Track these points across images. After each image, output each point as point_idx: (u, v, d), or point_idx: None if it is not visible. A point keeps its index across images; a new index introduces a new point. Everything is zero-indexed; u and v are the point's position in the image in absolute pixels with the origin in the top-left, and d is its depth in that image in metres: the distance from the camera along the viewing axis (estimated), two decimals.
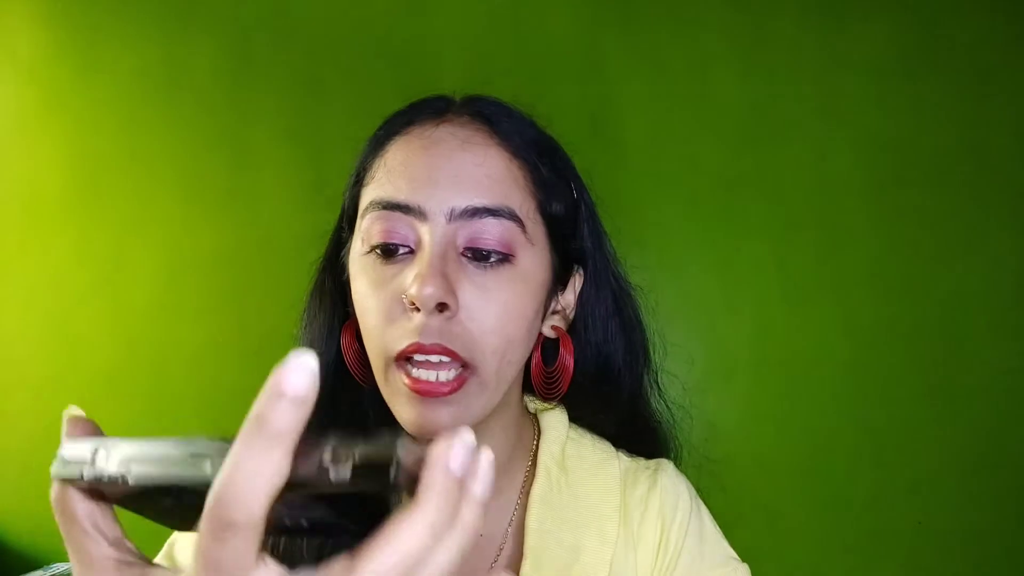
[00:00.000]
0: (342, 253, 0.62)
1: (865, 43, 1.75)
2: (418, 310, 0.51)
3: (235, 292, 1.88)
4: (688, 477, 0.66)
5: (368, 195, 0.56)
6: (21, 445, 1.94)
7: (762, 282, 1.76)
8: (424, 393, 0.51)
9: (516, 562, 0.58)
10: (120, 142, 1.97)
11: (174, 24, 1.97)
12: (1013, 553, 1.66)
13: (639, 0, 1.82)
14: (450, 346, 0.51)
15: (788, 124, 1.77)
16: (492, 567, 0.59)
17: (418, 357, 0.52)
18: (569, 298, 0.63)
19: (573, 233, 0.62)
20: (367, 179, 0.58)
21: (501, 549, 0.60)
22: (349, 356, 0.60)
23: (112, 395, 1.92)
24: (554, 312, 0.62)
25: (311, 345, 0.62)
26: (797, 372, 1.74)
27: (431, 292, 0.50)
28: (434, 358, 0.51)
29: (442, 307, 0.51)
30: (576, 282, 0.63)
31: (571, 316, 0.63)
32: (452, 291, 0.51)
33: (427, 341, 0.51)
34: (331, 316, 0.63)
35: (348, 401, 0.61)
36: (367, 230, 0.55)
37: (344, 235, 0.62)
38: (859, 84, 1.75)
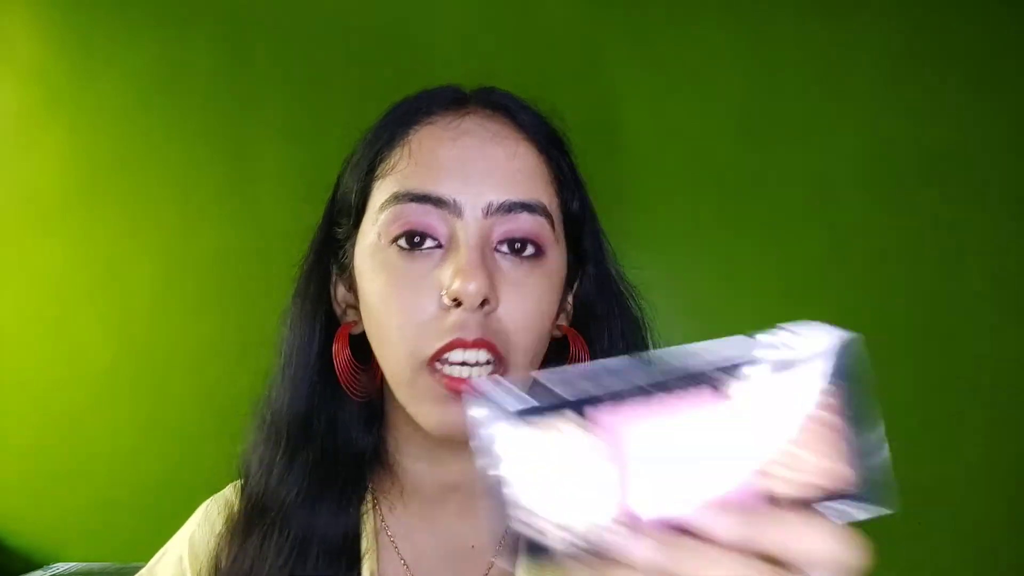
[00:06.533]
0: (340, 253, 0.59)
1: (866, 43, 1.75)
2: (458, 306, 0.49)
3: (235, 292, 1.88)
4: None
5: (389, 186, 0.53)
6: (21, 445, 1.94)
7: (762, 282, 1.76)
8: (460, 392, 0.50)
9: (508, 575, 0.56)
10: (120, 142, 1.97)
11: (173, 24, 1.97)
12: (1013, 553, 1.66)
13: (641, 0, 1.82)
14: (492, 340, 0.50)
15: (789, 124, 1.77)
16: None
17: (454, 356, 0.50)
18: (570, 298, 0.62)
19: (583, 232, 0.61)
20: (384, 169, 0.55)
21: (493, 563, 0.58)
22: (340, 364, 0.56)
23: (112, 395, 1.92)
24: (561, 311, 0.60)
25: (291, 356, 0.59)
26: None
27: (476, 287, 0.48)
28: (471, 357, 0.50)
29: (483, 302, 0.50)
30: (579, 281, 0.62)
31: (571, 315, 0.63)
32: (493, 287, 0.50)
33: (470, 337, 0.49)
34: (312, 323, 0.59)
35: (326, 418, 0.58)
36: (389, 223, 0.52)
37: (341, 232, 0.59)
38: (860, 84, 1.74)
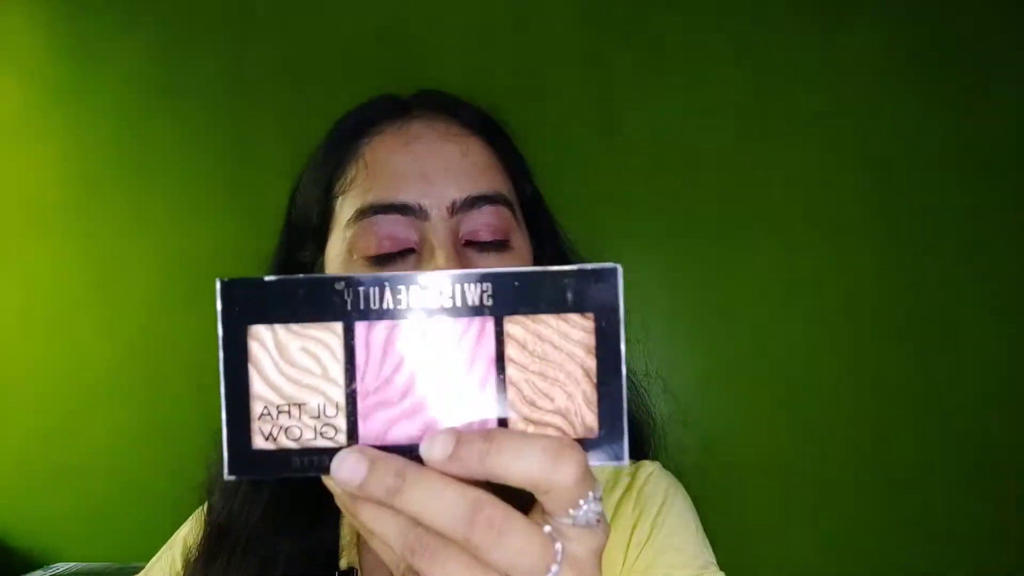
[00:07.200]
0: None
1: (865, 44, 1.74)
2: None
3: None
4: (687, 479, 0.65)
5: (352, 202, 0.54)
6: (22, 445, 1.94)
7: (762, 283, 1.76)
8: None
9: None
10: (120, 142, 1.97)
11: (174, 24, 1.97)
12: (1013, 553, 1.66)
13: (640, 0, 1.82)
14: None
15: (788, 125, 1.77)
16: None
17: None
18: None
19: (538, 215, 0.62)
20: (343, 186, 0.55)
21: None
22: None
23: (111, 395, 1.92)
24: None
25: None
26: (797, 373, 1.74)
27: None
28: None
29: None
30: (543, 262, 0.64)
31: None
32: None
33: None
34: None
35: None
36: (359, 237, 0.52)
37: (306, 255, 0.59)
38: (859, 85, 1.74)
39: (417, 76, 0.64)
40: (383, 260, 0.52)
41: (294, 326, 0.28)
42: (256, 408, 0.28)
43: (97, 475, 1.90)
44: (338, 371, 0.28)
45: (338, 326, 0.28)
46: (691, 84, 1.80)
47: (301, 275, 0.29)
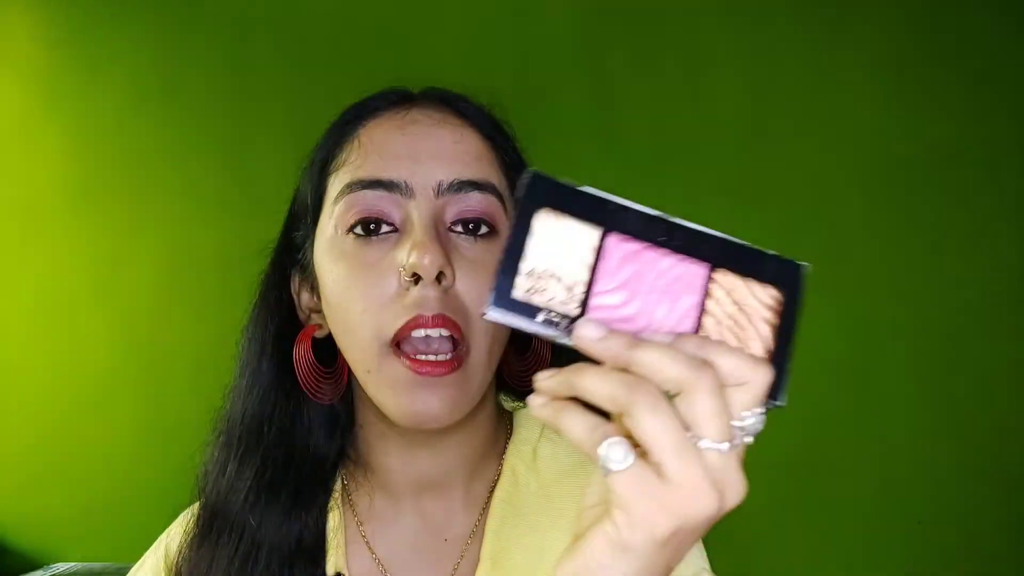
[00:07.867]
0: (300, 255, 0.60)
1: (864, 43, 1.75)
2: (416, 282, 0.50)
3: (235, 292, 1.87)
4: None
5: (342, 178, 0.55)
6: (22, 445, 1.94)
7: None
8: (425, 374, 0.51)
9: (477, 566, 0.57)
10: (120, 142, 1.97)
11: (174, 24, 1.97)
12: (1013, 552, 1.66)
13: (639, 0, 1.82)
14: (452, 316, 0.51)
15: (787, 124, 1.77)
16: (454, 572, 0.58)
17: (416, 333, 0.51)
18: None
19: None
20: (336, 165, 0.57)
21: (464, 554, 0.59)
22: (301, 366, 0.58)
23: (112, 395, 1.92)
24: None
25: (246, 365, 0.61)
26: (795, 373, 1.73)
27: (432, 259, 0.49)
28: (434, 332, 0.51)
29: (440, 276, 0.50)
30: None
31: None
32: (448, 261, 0.51)
33: (428, 312, 0.50)
34: (266, 331, 0.61)
35: (280, 424, 0.59)
36: (344, 212, 0.54)
37: (300, 234, 0.61)
38: (858, 84, 1.75)
39: (417, 76, 0.64)
40: (366, 233, 0.53)
41: (567, 219, 0.37)
42: (524, 267, 0.36)
43: (97, 475, 1.90)
44: (585, 264, 0.36)
45: (596, 231, 0.37)
46: (690, 85, 1.80)
47: (583, 186, 0.38)
